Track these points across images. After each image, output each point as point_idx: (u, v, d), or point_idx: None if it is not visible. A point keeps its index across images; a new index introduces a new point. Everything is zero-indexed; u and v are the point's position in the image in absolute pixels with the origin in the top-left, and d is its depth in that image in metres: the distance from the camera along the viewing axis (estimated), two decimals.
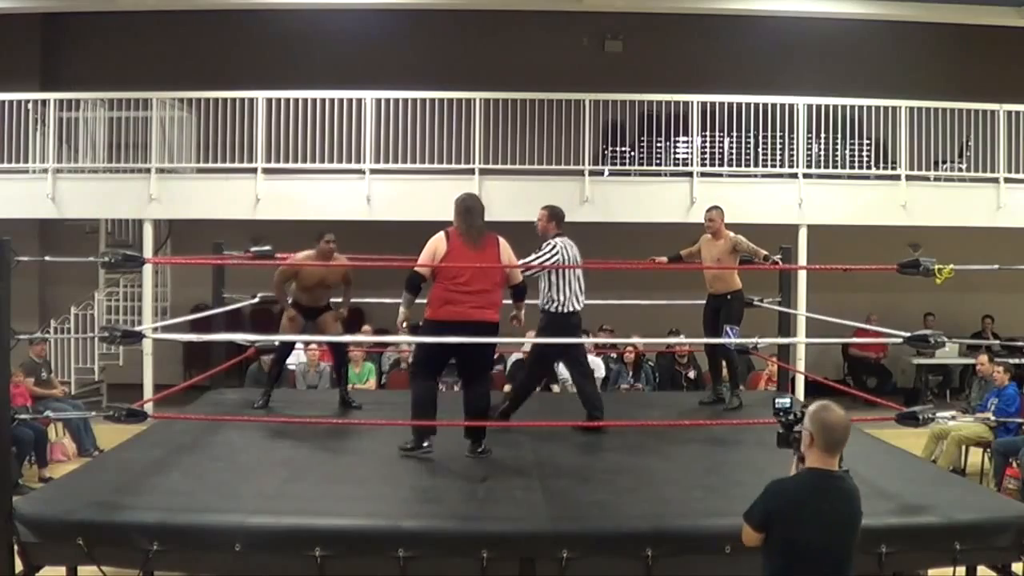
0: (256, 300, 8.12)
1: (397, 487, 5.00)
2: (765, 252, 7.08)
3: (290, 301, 7.06)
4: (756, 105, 11.14)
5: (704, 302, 7.53)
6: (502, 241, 5.66)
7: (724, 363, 7.51)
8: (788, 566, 3.35)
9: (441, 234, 5.58)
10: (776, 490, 3.40)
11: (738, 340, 6.87)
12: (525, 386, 6.59)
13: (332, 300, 7.20)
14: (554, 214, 6.48)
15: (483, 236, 5.58)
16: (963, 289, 10.69)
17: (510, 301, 5.84)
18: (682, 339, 10.21)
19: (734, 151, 11.36)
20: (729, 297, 7.14)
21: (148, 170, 10.97)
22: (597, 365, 10.38)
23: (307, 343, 9.36)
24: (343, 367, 7.31)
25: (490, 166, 10.91)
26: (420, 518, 4.44)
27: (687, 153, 11.39)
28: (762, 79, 12.50)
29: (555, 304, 6.28)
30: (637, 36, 13.66)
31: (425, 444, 5.51)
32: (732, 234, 7.16)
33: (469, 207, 5.61)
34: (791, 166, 11.21)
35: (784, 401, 3.66)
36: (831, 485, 3.34)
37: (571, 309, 6.29)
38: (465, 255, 5.49)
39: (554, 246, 6.31)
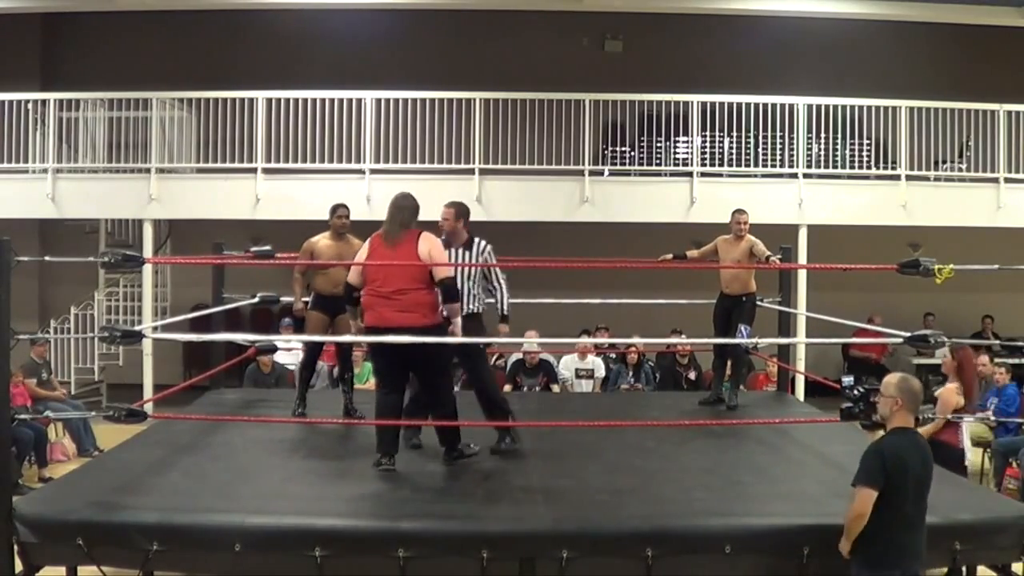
0: (256, 300, 8.10)
1: (397, 487, 4.99)
2: (768, 253, 7.13)
3: (310, 302, 6.74)
4: (756, 105, 11.13)
5: (705, 301, 7.54)
6: (425, 236, 5.10)
7: (730, 362, 7.51)
8: (886, 515, 3.74)
9: (371, 237, 5.25)
10: (880, 449, 3.82)
11: (748, 340, 6.88)
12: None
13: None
14: (461, 211, 5.70)
15: (403, 234, 5.08)
16: (963, 289, 10.64)
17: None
18: (684, 339, 10.21)
19: (734, 151, 11.36)
20: (744, 299, 7.17)
21: (148, 170, 10.97)
22: (597, 365, 10.39)
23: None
24: (348, 373, 6.81)
25: (490, 166, 10.90)
26: (420, 518, 4.42)
27: (687, 153, 11.39)
28: (762, 79, 12.50)
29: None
30: (637, 36, 13.66)
31: (384, 461, 5.07)
32: (751, 237, 7.21)
33: (392, 204, 5.19)
34: (791, 166, 11.21)
35: (848, 379, 4.28)
36: (917, 441, 3.92)
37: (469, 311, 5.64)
38: (382, 255, 5.10)
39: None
